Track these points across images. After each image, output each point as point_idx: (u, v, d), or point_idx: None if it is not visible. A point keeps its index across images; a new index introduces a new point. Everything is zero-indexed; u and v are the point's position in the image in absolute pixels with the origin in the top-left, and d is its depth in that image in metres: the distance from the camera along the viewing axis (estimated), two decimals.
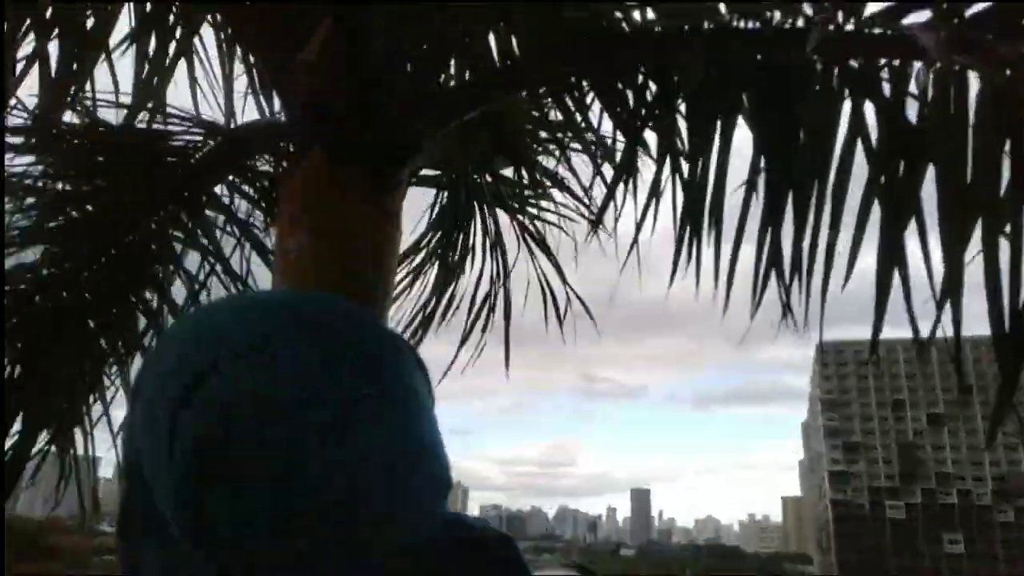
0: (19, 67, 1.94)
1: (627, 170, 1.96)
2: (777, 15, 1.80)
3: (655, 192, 1.90)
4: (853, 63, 1.80)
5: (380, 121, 1.55)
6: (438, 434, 0.54)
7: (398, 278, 2.70)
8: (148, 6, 1.90)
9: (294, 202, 1.54)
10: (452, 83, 1.91)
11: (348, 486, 0.46)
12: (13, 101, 2.03)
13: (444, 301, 2.83)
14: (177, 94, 2.25)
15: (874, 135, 1.77)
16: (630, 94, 1.80)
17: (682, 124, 1.89)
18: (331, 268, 1.54)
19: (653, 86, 1.80)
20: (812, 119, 1.81)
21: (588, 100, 1.93)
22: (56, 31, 1.86)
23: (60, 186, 2.54)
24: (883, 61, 1.78)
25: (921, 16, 1.70)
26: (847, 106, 1.82)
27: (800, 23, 1.75)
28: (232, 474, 0.44)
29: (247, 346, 0.49)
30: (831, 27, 1.76)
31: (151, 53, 2.05)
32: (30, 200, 2.48)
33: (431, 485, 0.51)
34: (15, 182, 2.43)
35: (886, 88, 1.78)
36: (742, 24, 1.73)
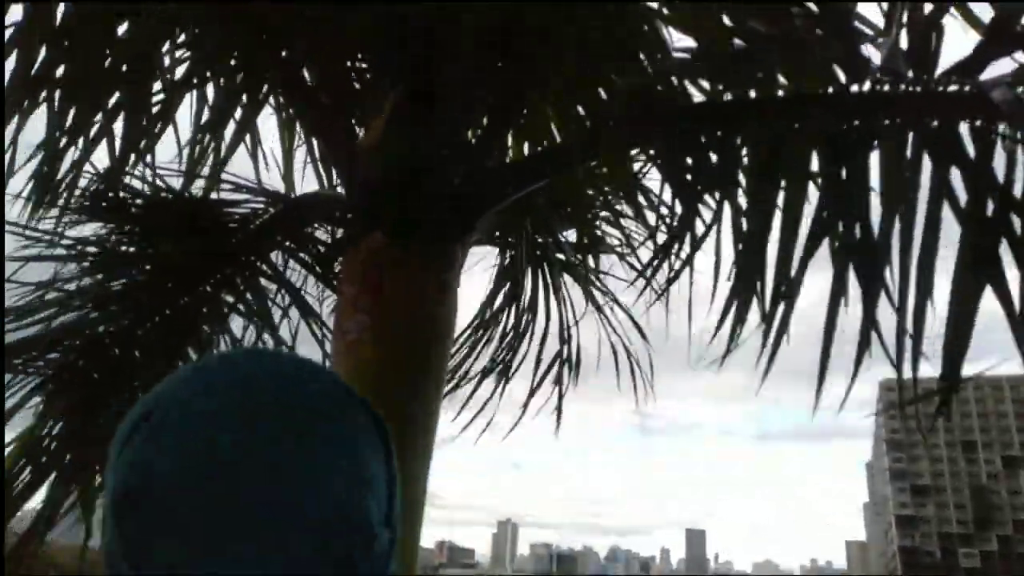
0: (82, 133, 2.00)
1: (683, 232, 1.91)
2: (842, 77, 1.73)
3: (698, 245, 1.85)
4: (931, 123, 1.71)
5: (437, 200, 1.53)
6: (375, 503, 0.53)
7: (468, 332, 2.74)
8: (210, 93, 1.95)
9: (353, 282, 1.53)
10: (509, 155, 1.90)
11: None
12: (88, 167, 2.10)
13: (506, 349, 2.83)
14: (238, 161, 2.31)
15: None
16: (690, 162, 1.75)
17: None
18: (390, 346, 1.52)
19: (714, 155, 1.74)
20: (888, 182, 1.72)
21: (646, 168, 1.89)
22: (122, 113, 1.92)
23: (124, 248, 2.61)
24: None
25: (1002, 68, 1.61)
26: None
27: (867, 86, 1.67)
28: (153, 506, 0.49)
29: (172, 400, 0.54)
30: (902, 88, 1.68)
31: (213, 129, 2.10)
32: (91, 261, 2.54)
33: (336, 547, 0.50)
34: (82, 243, 2.51)
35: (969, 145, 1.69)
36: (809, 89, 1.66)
